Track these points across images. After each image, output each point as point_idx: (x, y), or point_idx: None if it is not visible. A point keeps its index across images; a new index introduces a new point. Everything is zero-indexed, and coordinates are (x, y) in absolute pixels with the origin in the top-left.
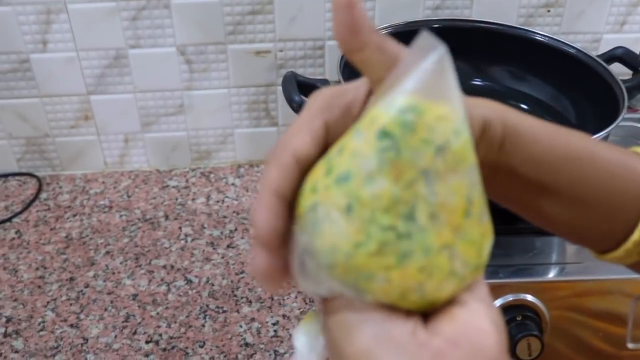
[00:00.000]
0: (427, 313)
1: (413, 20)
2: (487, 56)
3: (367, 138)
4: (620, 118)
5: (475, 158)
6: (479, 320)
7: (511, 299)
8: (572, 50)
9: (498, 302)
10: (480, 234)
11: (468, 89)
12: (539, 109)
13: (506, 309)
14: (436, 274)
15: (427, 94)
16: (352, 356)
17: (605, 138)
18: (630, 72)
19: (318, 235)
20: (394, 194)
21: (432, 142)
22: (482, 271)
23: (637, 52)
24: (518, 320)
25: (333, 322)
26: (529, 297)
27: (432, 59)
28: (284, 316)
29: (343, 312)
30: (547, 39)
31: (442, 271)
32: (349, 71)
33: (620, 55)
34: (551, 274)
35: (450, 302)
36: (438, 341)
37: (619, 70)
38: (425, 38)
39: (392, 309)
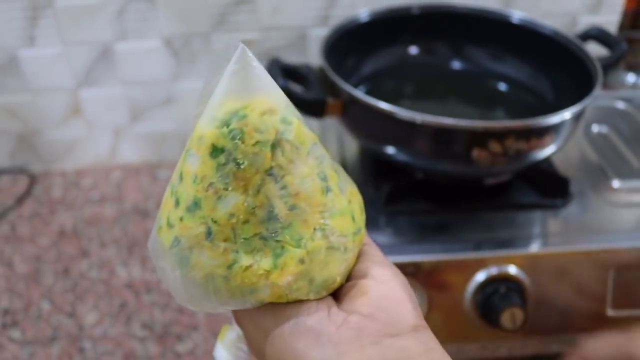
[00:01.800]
0: (338, 292)
1: (394, 6)
2: (466, 38)
3: (202, 158)
4: (594, 92)
5: (313, 135)
6: (391, 290)
7: (495, 271)
8: (548, 31)
9: (482, 275)
10: (347, 201)
11: (448, 72)
12: (518, 89)
13: (490, 281)
14: (317, 257)
15: (242, 94)
16: (277, 357)
17: (581, 112)
18: (606, 51)
19: (190, 268)
20: (248, 204)
21: (266, 142)
22: (364, 233)
23: (612, 32)
24: (502, 292)
25: (248, 330)
26: (512, 270)
27: (234, 60)
28: None
29: (253, 320)
30: (524, 20)
31: (321, 252)
32: (332, 57)
33: (596, 34)
34: (533, 247)
35: (358, 275)
36: (356, 318)
37: (595, 51)
38: (227, 46)
39: (297, 301)
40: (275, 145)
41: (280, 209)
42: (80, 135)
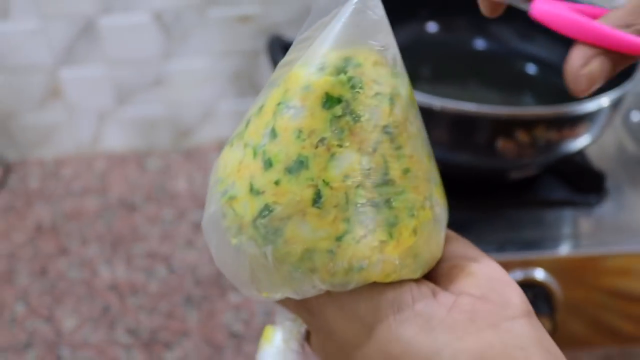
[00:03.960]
0: (430, 274)
1: None
2: None
3: (311, 110)
4: (635, 75)
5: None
6: (497, 271)
7: (520, 276)
8: (585, 1)
9: None
10: (438, 171)
11: (470, 52)
12: (548, 72)
13: None
14: (425, 230)
15: (354, 42)
16: (379, 351)
17: (620, 99)
18: None
19: (284, 243)
20: (364, 164)
21: (384, 95)
22: None
23: None
24: (528, 299)
25: (331, 322)
26: (540, 274)
27: (350, 3)
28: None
29: (344, 308)
30: None
31: (430, 223)
32: None
33: None
34: (563, 249)
35: (454, 256)
36: (467, 300)
37: None
38: None
39: (395, 283)
40: (393, 100)
41: (395, 171)
42: (60, 119)
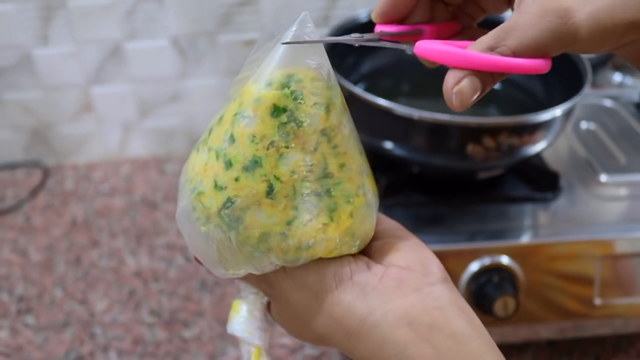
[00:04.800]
0: (366, 250)
1: None
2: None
3: (262, 118)
4: (584, 90)
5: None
6: (420, 246)
7: (488, 261)
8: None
9: (476, 265)
10: (369, 165)
11: (443, 71)
12: (510, 87)
13: (483, 271)
14: (360, 213)
15: (294, 62)
16: (324, 313)
17: (571, 110)
18: None
19: (245, 228)
20: (307, 162)
21: (322, 104)
22: None
23: None
24: (495, 281)
25: (286, 292)
26: (505, 259)
27: (295, 27)
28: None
29: (297, 280)
30: None
31: (363, 208)
32: (332, 55)
33: None
34: (524, 238)
35: (384, 235)
36: (395, 270)
37: None
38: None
39: (337, 258)
40: (328, 108)
41: (333, 166)
42: (91, 130)
